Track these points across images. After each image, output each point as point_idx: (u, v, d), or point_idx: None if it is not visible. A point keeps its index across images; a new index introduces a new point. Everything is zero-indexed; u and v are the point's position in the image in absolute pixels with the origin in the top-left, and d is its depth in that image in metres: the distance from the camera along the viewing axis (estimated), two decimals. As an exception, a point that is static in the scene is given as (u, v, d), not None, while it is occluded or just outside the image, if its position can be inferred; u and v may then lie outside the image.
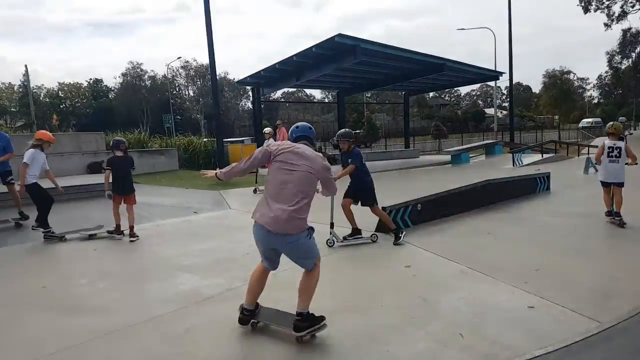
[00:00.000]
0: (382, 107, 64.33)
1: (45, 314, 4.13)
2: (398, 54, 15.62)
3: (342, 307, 4.11)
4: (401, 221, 6.78)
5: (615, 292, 4.29)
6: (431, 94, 66.04)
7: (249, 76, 19.12)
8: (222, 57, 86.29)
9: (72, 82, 64.15)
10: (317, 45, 14.48)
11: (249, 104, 65.45)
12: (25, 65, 66.13)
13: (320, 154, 3.61)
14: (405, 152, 24.47)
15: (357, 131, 18.73)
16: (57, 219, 7.32)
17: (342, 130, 6.41)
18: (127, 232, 6.99)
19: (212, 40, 13.30)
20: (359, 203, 6.30)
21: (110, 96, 64.21)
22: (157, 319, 3.95)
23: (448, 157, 19.87)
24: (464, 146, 22.83)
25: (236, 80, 55.45)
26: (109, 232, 7.13)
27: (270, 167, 3.50)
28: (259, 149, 3.64)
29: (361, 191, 6.24)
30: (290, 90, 61.29)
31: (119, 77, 63.46)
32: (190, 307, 4.18)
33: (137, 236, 6.89)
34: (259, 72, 18.16)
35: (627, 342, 3.46)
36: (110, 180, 6.92)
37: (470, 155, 20.22)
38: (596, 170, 9.90)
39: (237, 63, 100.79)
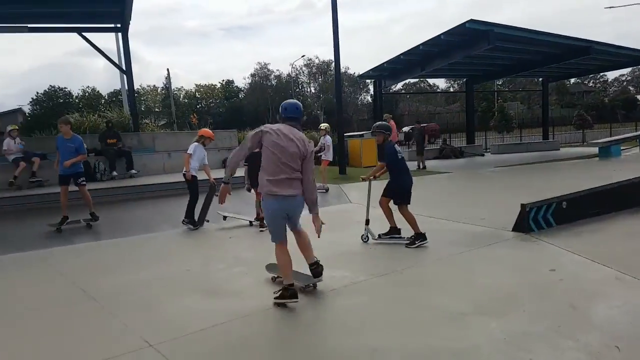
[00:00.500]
0: (515, 95, 59.93)
1: (190, 295, 4.48)
2: (536, 37, 14.36)
3: (478, 309, 3.83)
4: (543, 220, 6.15)
5: None
6: (572, 80, 59.69)
7: (371, 69, 19.12)
8: (342, 52, 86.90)
9: (206, 84, 69.99)
10: (445, 33, 13.94)
11: (368, 98, 65.63)
12: (167, 69, 73.95)
13: (304, 136, 4.19)
14: (543, 143, 22.49)
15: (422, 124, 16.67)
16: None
17: (378, 122, 6.35)
18: (255, 223, 7.45)
19: (337, 37, 13.45)
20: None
21: (240, 96, 68.78)
22: (287, 307, 4.05)
23: (595, 150, 17.76)
24: (615, 137, 20.15)
25: (357, 74, 56.31)
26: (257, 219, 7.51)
27: (265, 150, 4.01)
28: (250, 135, 4.12)
29: (400, 189, 5.86)
30: (412, 81, 59.93)
31: (248, 77, 67.60)
32: (317, 298, 4.24)
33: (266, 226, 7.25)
34: (382, 64, 18.06)
35: None
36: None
37: (622, 148, 17.81)
38: None
39: (356, 57, 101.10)
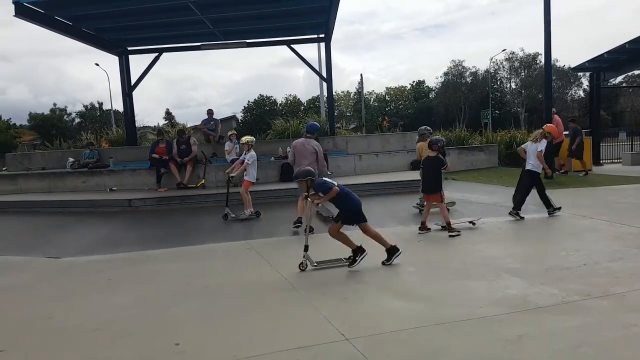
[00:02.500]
0: None
1: (380, 295, 4.55)
2: None
3: None
4: None
5: None
6: None
7: (587, 61, 17.10)
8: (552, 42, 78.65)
9: (397, 86, 70.92)
10: None
11: (580, 93, 58.10)
12: (361, 75, 76.92)
13: (315, 142, 7.96)
14: None
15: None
16: (382, 210, 8.14)
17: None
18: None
19: (549, 26, 12.18)
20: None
21: (430, 96, 67.83)
22: (486, 319, 3.80)
23: None
24: None
25: (567, 66, 50.05)
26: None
27: (297, 154, 7.84)
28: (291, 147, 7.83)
29: (354, 210, 5.72)
30: (636, 72, 50.88)
31: (440, 77, 66.12)
32: (520, 314, 3.87)
33: (458, 232, 6.91)
34: (602, 54, 16.12)
35: None
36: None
37: None
38: None
39: (566, 47, 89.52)
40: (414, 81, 71.00)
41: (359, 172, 13.44)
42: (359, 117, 52.23)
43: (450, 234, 6.88)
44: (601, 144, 19.17)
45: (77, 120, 64.46)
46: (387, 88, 71.76)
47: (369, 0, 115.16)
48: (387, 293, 4.59)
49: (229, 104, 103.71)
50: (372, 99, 70.54)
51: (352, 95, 70.14)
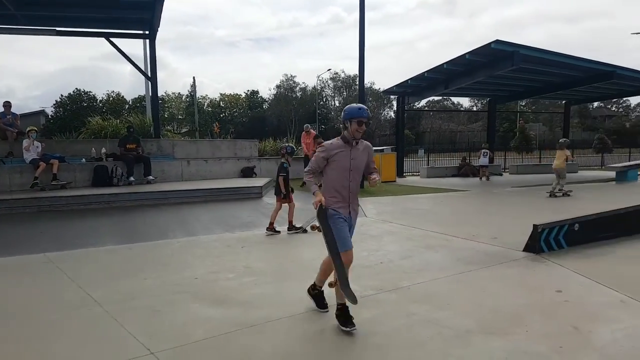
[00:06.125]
0: (538, 116, 59.83)
1: (197, 303, 4.53)
2: (560, 60, 14.55)
3: (481, 328, 3.83)
4: (554, 241, 6.12)
5: None
6: (595, 104, 59.22)
7: (395, 85, 19.49)
8: (369, 66, 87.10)
9: (231, 93, 70.71)
10: (471, 52, 14.27)
11: (391, 113, 65.83)
12: (193, 77, 74.90)
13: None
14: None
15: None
16: (209, 217, 8.11)
17: None
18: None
19: (363, 51, 13.57)
20: None
21: (264, 107, 69.34)
22: (294, 318, 4.10)
23: (612, 174, 17.67)
24: (632, 162, 20.07)
25: (381, 89, 56.49)
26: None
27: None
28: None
29: None
30: (435, 98, 60.20)
31: (274, 89, 68.05)
32: (323, 311, 4.27)
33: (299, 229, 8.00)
34: (406, 81, 18.49)
35: None
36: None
37: (639, 173, 17.69)
38: None
39: (383, 72, 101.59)
40: (248, 90, 71.56)
41: (186, 178, 13.09)
42: (192, 121, 50.59)
43: (289, 232, 7.95)
44: (405, 159, 22.17)
45: None
46: (221, 94, 70.90)
47: (201, 3, 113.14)
48: (204, 302, 4.58)
49: (39, 97, 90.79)
50: (206, 104, 68.89)
51: (184, 97, 67.62)
